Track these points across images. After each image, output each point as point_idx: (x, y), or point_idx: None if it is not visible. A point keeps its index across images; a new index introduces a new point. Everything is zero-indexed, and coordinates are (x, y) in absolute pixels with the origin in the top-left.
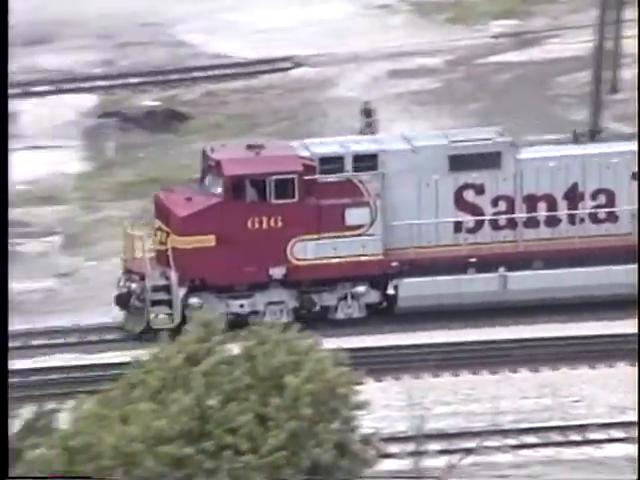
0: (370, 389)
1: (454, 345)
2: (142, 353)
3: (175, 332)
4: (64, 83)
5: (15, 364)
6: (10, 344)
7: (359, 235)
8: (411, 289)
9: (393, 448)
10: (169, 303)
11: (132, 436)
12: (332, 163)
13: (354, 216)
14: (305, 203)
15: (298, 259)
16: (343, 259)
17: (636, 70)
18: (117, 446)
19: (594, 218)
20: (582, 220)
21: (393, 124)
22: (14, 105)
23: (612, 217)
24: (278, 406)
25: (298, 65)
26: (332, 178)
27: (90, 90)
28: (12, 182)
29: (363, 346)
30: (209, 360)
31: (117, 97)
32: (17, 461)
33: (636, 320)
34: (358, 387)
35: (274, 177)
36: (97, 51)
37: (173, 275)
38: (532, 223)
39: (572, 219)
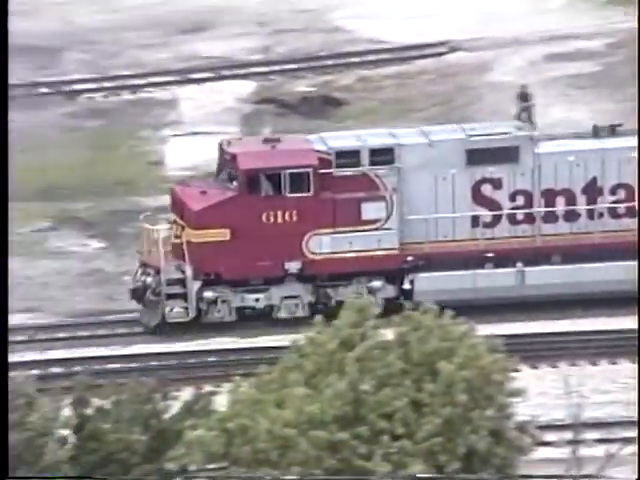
0: (525, 376)
1: (612, 333)
2: (299, 337)
3: (191, 326)
4: (223, 70)
5: (173, 347)
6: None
7: (375, 229)
8: (427, 284)
9: (550, 436)
10: (184, 297)
11: (286, 420)
12: (348, 157)
13: (370, 210)
14: (320, 197)
15: (314, 253)
16: (359, 253)
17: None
18: (271, 430)
19: (613, 213)
20: (601, 215)
21: (550, 109)
22: (174, 92)
23: (631, 212)
24: (432, 392)
25: (453, 50)
26: (348, 172)
27: (248, 77)
28: (172, 168)
29: (517, 332)
30: (363, 345)
31: (273, 83)
32: (176, 442)
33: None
34: (513, 374)
35: (289, 171)
36: (254, 38)
37: (188, 269)
38: (550, 218)
39: (591, 214)
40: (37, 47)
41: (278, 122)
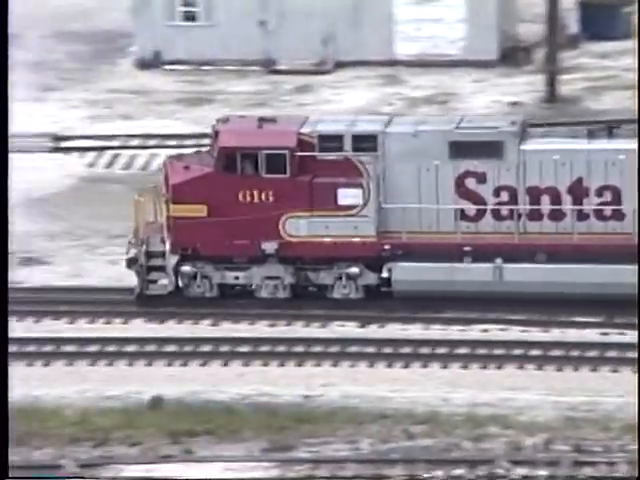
0: None
1: None
2: None
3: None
4: None
5: None
6: None
7: (351, 216)
8: (404, 274)
9: None
10: (165, 269)
11: None
12: (331, 141)
13: (346, 196)
14: (297, 179)
15: (291, 235)
16: (336, 238)
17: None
18: None
19: (599, 215)
20: (586, 216)
21: None
22: None
23: (618, 215)
24: None
25: None
26: (331, 157)
27: None
28: None
29: None
30: None
31: None
32: None
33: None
34: None
35: (265, 151)
36: None
37: (167, 242)
38: (534, 216)
39: (575, 214)
40: None
41: None
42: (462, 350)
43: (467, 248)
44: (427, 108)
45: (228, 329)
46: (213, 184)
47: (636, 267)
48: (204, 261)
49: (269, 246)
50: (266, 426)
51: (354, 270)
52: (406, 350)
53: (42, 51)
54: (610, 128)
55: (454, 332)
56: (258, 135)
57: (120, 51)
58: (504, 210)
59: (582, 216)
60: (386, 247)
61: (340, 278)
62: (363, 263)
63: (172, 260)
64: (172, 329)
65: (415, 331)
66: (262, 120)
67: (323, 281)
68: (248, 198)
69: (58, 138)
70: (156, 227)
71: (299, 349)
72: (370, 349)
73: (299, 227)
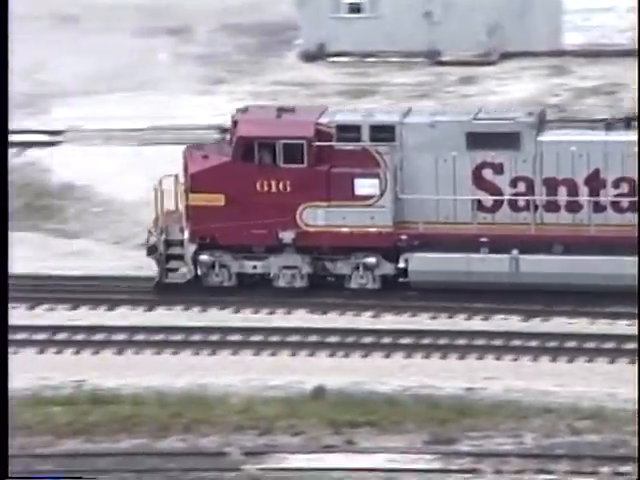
0: None
1: None
2: None
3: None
4: None
5: None
6: None
7: (368, 206)
8: (421, 264)
9: None
10: (183, 258)
11: None
12: (349, 131)
13: (363, 186)
14: (315, 169)
15: (308, 225)
16: (353, 229)
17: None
18: None
19: (616, 206)
20: (603, 207)
21: None
22: None
23: (634, 206)
24: None
25: None
26: (349, 147)
27: None
28: None
29: None
30: None
31: None
32: None
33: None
34: None
35: (283, 141)
36: None
37: (186, 231)
38: (551, 207)
39: (592, 206)
40: None
41: None
42: (629, 345)
43: (484, 239)
44: (594, 99)
45: (390, 321)
46: (231, 173)
47: None
48: (222, 250)
49: (286, 235)
50: (428, 418)
51: (371, 260)
52: (571, 344)
53: (211, 44)
54: (628, 120)
55: (621, 326)
56: (276, 125)
57: (286, 43)
58: (521, 201)
59: (599, 208)
60: (403, 237)
61: (357, 268)
62: (380, 253)
63: (190, 249)
64: (334, 320)
65: (580, 325)
66: (281, 110)
67: (340, 271)
68: (266, 188)
69: (225, 130)
70: (176, 216)
71: (461, 342)
72: (534, 343)
73: (316, 217)
